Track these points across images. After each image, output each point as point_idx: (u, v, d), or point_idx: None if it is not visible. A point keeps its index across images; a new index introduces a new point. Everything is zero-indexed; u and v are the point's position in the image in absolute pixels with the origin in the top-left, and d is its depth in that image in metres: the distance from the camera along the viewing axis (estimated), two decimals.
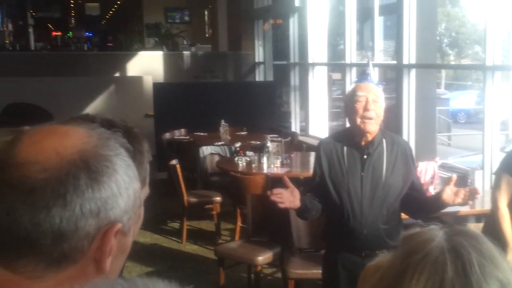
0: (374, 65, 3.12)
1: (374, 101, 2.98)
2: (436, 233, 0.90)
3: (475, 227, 3.78)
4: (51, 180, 0.78)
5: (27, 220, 0.78)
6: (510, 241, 3.45)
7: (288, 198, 2.90)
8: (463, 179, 4.37)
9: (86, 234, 0.80)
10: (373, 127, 3.01)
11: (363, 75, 3.13)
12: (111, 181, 0.82)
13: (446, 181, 2.91)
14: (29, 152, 0.81)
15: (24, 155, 0.81)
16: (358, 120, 2.99)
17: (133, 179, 0.87)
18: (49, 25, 26.48)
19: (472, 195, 2.83)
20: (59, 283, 0.80)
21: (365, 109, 2.96)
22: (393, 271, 0.89)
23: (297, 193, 2.96)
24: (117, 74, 12.26)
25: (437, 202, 2.95)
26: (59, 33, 24.47)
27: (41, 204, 0.78)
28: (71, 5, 23.72)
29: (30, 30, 22.55)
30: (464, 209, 4.42)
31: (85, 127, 0.87)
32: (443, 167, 4.97)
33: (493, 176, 3.83)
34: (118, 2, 22.25)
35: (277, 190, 2.90)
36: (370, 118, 2.97)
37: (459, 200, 2.83)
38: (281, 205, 2.90)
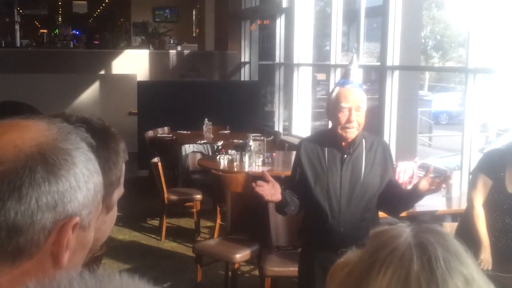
0: (359, 66, 3.09)
1: (357, 109, 3.01)
2: (404, 229, 0.92)
3: (451, 226, 3.79)
4: (8, 172, 0.77)
5: None
6: (484, 239, 3.48)
7: (270, 191, 2.93)
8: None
9: (42, 227, 0.79)
10: (354, 134, 3.07)
11: (346, 76, 3.10)
12: (69, 174, 0.81)
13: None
14: None
15: None
16: (340, 128, 3.04)
17: (94, 173, 0.86)
18: (36, 23, 26.34)
19: (445, 180, 2.89)
20: (14, 278, 0.78)
21: (348, 120, 3.01)
22: (361, 266, 0.90)
23: (278, 187, 2.98)
24: (102, 72, 12.20)
25: (413, 193, 3.00)
26: (45, 31, 24.32)
27: None
28: (59, 3, 23.59)
29: (17, 27, 22.44)
30: (441, 209, 4.45)
31: (45, 122, 0.86)
32: (422, 167, 4.99)
33: (470, 176, 3.86)
34: (106, 1, 22.19)
35: (260, 183, 2.92)
36: (352, 128, 3.02)
37: (433, 187, 2.89)
38: (265, 197, 2.92)
